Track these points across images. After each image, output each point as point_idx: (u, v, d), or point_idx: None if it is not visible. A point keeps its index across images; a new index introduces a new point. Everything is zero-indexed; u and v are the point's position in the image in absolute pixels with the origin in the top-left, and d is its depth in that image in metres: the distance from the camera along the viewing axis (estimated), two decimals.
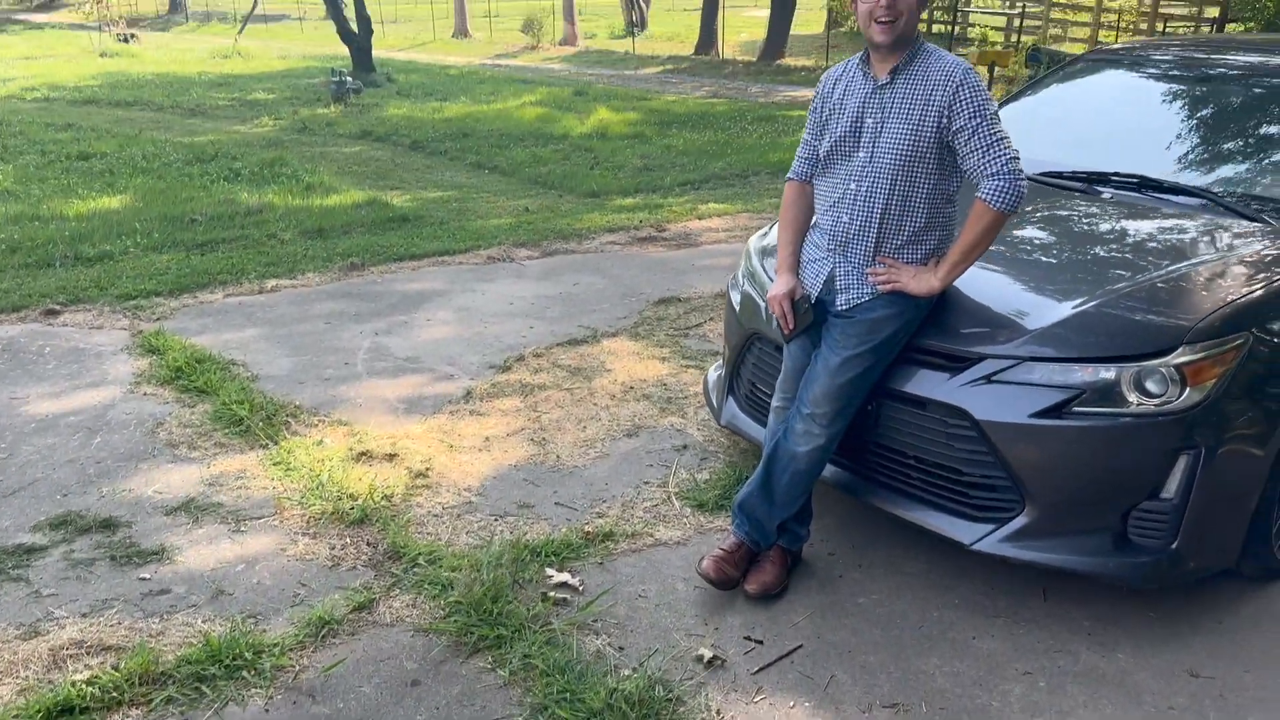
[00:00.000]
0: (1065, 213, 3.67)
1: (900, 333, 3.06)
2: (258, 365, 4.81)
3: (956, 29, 23.64)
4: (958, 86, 2.85)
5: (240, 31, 30.28)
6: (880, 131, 2.98)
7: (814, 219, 3.23)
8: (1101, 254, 3.33)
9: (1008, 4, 24.36)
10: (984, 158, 2.85)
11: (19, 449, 3.93)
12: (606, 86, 19.13)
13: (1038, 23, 22.70)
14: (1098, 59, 4.73)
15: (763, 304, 3.53)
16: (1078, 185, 3.75)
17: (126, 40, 27.19)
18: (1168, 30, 19.89)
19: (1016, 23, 22.94)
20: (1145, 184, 3.65)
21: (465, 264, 6.57)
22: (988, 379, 2.96)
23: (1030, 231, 3.54)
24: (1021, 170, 2.83)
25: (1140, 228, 3.46)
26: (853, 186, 3.05)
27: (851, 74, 3.09)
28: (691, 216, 7.96)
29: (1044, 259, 3.37)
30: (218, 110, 15.67)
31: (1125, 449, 2.82)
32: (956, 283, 3.14)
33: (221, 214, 7.72)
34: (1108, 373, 2.83)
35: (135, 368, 4.71)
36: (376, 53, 21.17)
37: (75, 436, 4.03)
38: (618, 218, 7.86)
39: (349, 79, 16.32)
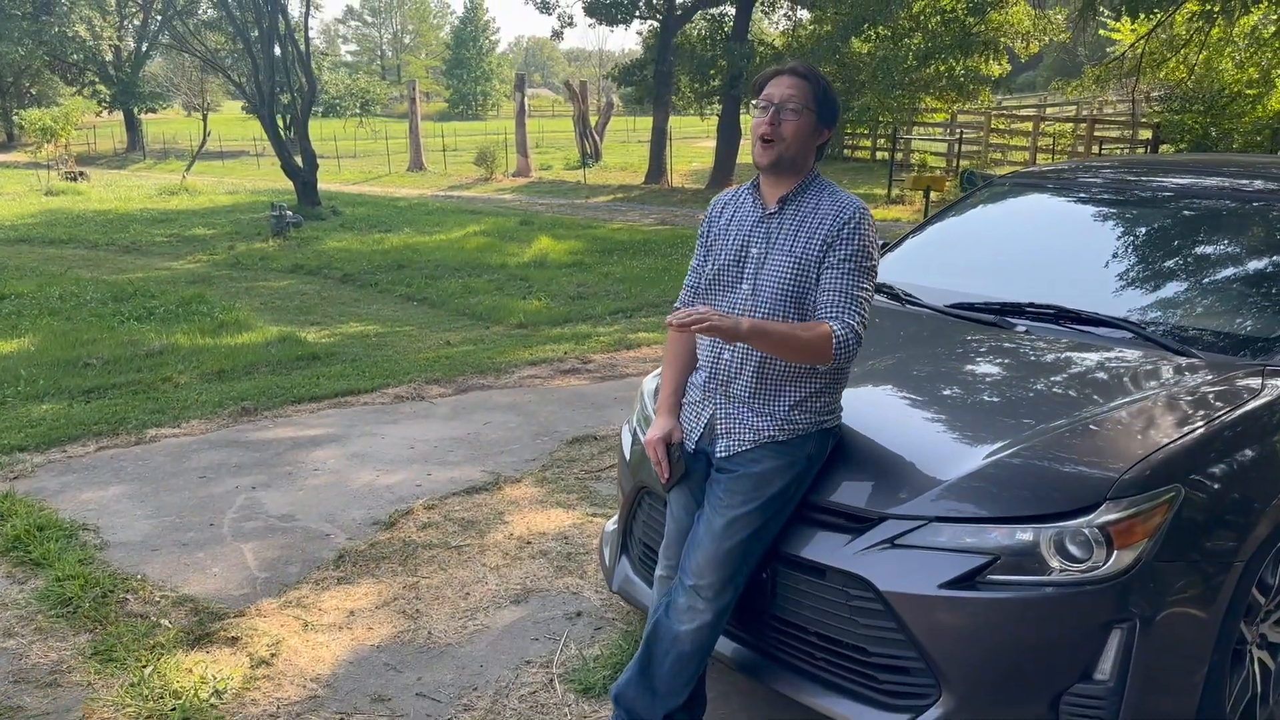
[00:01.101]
0: (976, 349, 3.34)
1: (791, 487, 2.67)
2: (111, 530, 4.31)
3: (899, 155, 24.11)
4: (845, 224, 2.60)
5: (189, 167, 30.40)
6: (764, 262, 2.68)
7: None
8: (1015, 396, 2.98)
9: (947, 130, 24.95)
10: (838, 304, 2.59)
11: None
12: (554, 215, 19.14)
13: (977, 147, 23.21)
14: (1022, 181, 4.48)
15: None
16: (990, 317, 3.43)
17: (74, 179, 27.12)
18: (1103, 152, 20.35)
19: (956, 148, 23.45)
20: (1063, 315, 3.34)
21: (370, 404, 6.15)
22: (891, 542, 2.57)
23: (937, 370, 3.20)
24: (862, 333, 2.59)
25: (1058, 365, 3.13)
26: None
27: (741, 200, 2.81)
28: (620, 347, 7.63)
29: (952, 403, 3.01)
30: (153, 247, 15.39)
31: (1049, 623, 2.41)
32: (856, 430, 2.79)
33: (120, 357, 7.29)
34: (1025, 534, 2.45)
35: None
36: (332, 186, 21.24)
37: None
38: (542, 350, 7.52)
39: (289, 213, 16.16)
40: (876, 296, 3.85)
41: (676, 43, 25.68)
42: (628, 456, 3.43)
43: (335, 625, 3.53)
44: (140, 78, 48.27)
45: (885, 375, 3.22)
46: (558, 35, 27.64)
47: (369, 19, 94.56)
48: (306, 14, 20.10)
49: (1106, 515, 2.41)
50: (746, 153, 29.65)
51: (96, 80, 47.95)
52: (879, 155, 26.83)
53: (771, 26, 31.44)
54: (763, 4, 26.45)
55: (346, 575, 3.92)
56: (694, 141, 37.81)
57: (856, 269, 2.58)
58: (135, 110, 48.01)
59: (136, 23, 49.89)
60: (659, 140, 26.67)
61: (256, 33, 19.43)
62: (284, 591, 3.78)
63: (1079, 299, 3.42)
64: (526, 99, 32.49)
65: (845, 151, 29.05)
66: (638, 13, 26.64)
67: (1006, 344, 3.31)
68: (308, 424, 5.79)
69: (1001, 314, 3.44)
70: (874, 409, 2.95)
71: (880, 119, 23.86)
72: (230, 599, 3.72)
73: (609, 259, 12.42)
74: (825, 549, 2.66)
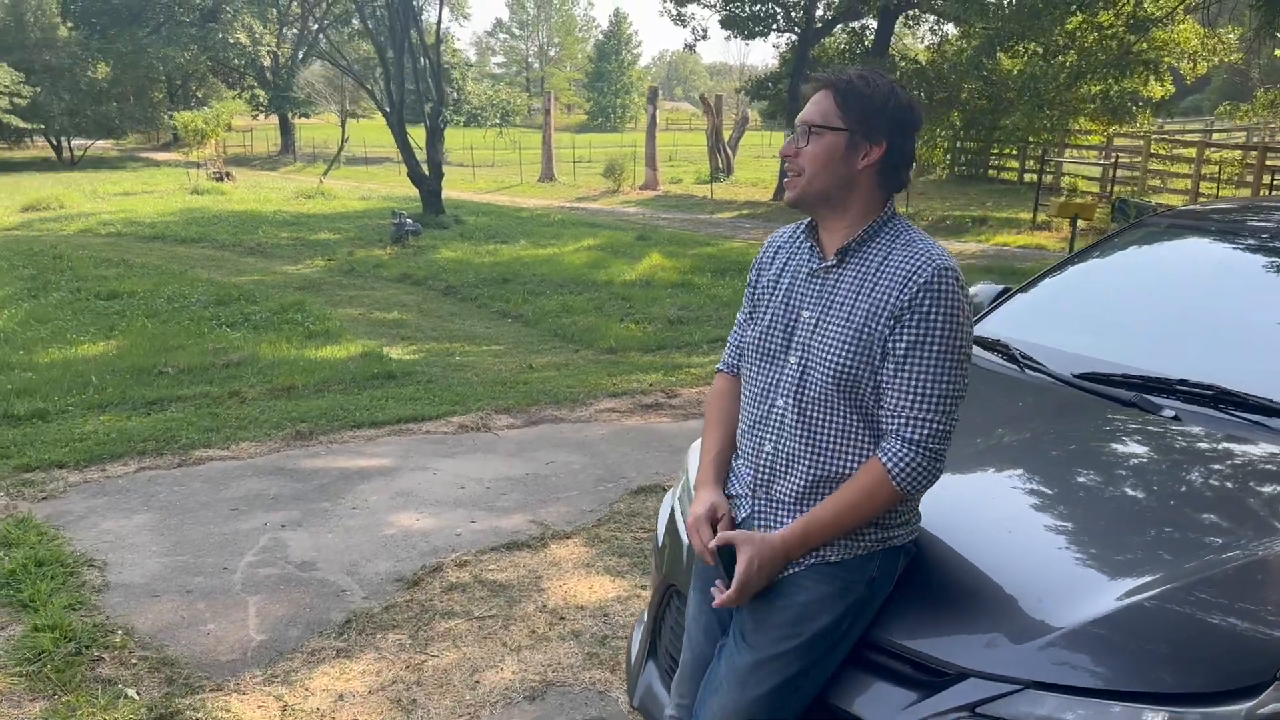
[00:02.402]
0: (1108, 439, 2.60)
1: (844, 622, 2.02)
2: (118, 567, 3.95)
3: (1048, 178, 22.66)
4: (919, 293, 1.90)
5: (326, 172, 31.17)
6: (816, 330, 2.02)
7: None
8: (1157, 511, 2.25)
9: (1102, 154, 23.35)
10: (902, 408, 1.94)
11: None
12: (673, 231, 18.62)
13: (1134, 174, 21.59)
14: (1180, 222, 3.65)
15: (685, 541, 2.52)
16: (1128, 395, 2.68)
17: (220, 179, 28.09)
18: (1276, 185, 18.56)
19: (1111, 173, 21.87)
20: (1225, 398, 2.57)
21: (432, 433, 5.71)
22: (972, 711, 1.89)
23: (1054, 465, 2.49)
24: (942, 453, 1.94)
25: (1218, 469, 2.38)
26: (779, 403, 2.08)
27: (797, 243, 2.14)
28: (711, 381, 7.00)
29: (1070, 515, 2.29)
30: (276, 250, 15.55)
31: None
32: (940, 545, 2.14)
33: (198, 366, 7.10)
34: (1156, 718, 1.76)
35: None
36: (462, 195, 21.30)
37: None
38: (627, 380, 6.96)
39: (409, 220, 16.11)
40: (987, 357, 3.15)
41: (813, 56, 24.88)
42: (660, 539, 2.83)
43: (318, 712, 3.04)
44: (294, 84, 50.11)
45: (984, 468, 2.53)
46: (690, 48, 27.17)
47: (517, 31, 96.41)
48: (439, 26, 20.16)
49: (1274, 704, 1.70)
50: None
51: (255, 85, 50.03)
52: (1027, 177, 25.36)
53: (917, 41, 30.26)
54: (907, 18, 25.38)
55: (349, 646, 3.43)
56: None
57: (930, 356, 1.90)
58: (289, 115, 49.85)
59: (294, 31, 51.89)
60: None
61: (391, 43, 19.61)
62: (275, 661, 3.32)
63: (1247, 379, 2.64)
64: (659, 112, 32.18)
65: (990, 172, 27.65)
66: (775, 26, 25.96)
67: (1149, 433, 2.57)
68: (361, 452, 5.37)
69: (1144, 391, 2.69)
70: (965, 517, 2.26)
71: (1030, 139, 22.56)
72: (214, 666, 3.28)
73: (719, 280, 11.79)
74: (883, 708, 2.00)
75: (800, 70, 24.99)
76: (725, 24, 25.69)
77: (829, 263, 2.03)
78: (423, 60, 20.25)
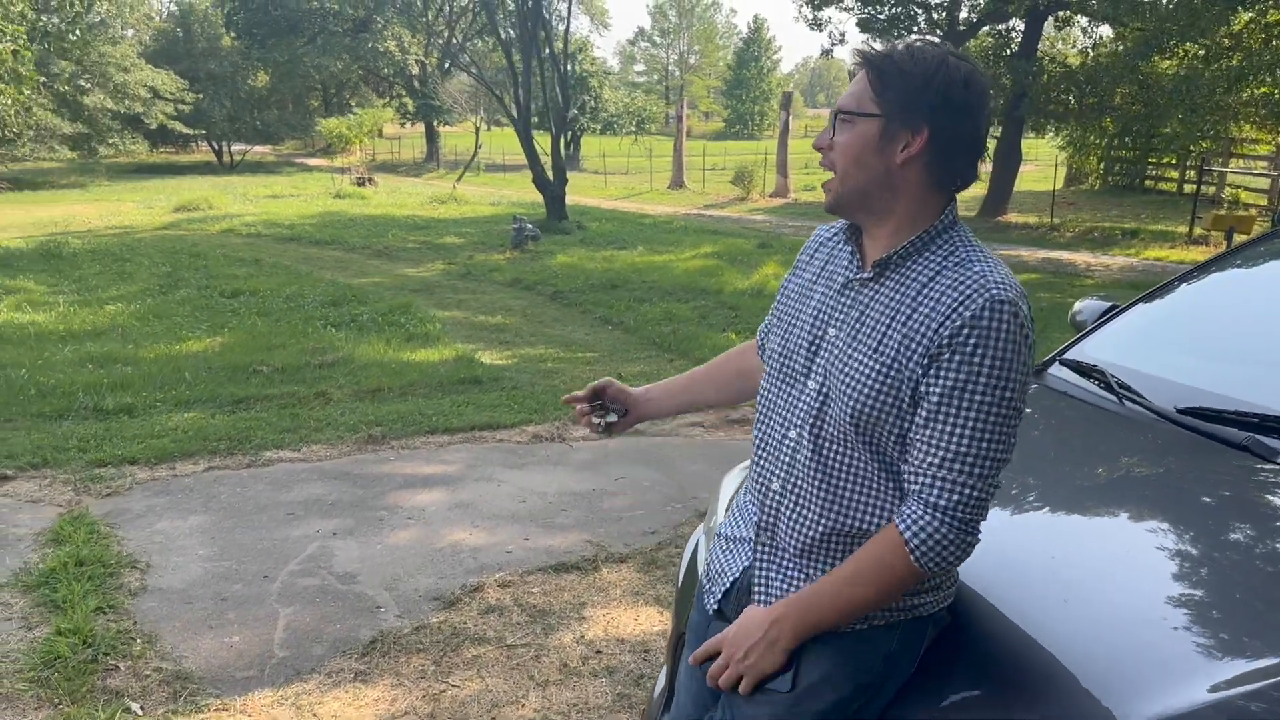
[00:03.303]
0: (1208, 490, 2.16)
1: (852, 705, 1.68)
2: (161, 570, 3.88)
3: (1210, 190, 21.15)
4: (964, 328, 1.52)
5: (459, 178, 31.83)
6: (840, 355, 1.67)
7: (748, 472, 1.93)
8: (1261, 583, 1.82)
9: (1272, 163, 21.62)
10: (929, 466, 1.56)
11: None
12: (797, 239, 18.13)
13: None
14: None
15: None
16: (1240, 436, 2.22)
17: (362, 184, 28.99)
18: None
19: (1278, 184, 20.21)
20: None
21: (505, 442, 5.52)
22: None
23: (1136, 523, 2.06)
24: (974, 524, 1.56)
25: None
26: (791, 434, 1.74)
27: (838, 246, 1.79)
28: None
29: (1147, 585, 1.87)
30: (402, 253, 15.81)
31: None
32: (988, 609, 1.78)
33: (293, 365, 7.12)
34: None
35: (20, 563, 3.88)
36: (591, 201, 21.35)
37: None
38: None
39: (528, 226, 16.14)
40: (1081, 384, 2.72)
41: None
42: (680, 578, 2.53)
43: None
44: (438, 93, 51.51)
45: (1051, 516, 2.13)
46: (828, 53, 26.44)
47: (658, 40, 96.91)
48: (565, 35, 20.21)
49: None
50: (1029, 179, 27.26)
51: (403, 94, 51.70)
52: (1187, 188, 23.73)
53: (1070, 45, 28.78)
54: (1056, 19, 24.13)
55: (368, 669, 3.23)
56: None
57: (970, 407, 1.53)
58: (434, 123, 51.32)
59: (441, 41, 53.43)
60: None
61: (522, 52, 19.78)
62: (290, 681, 3.15)
63: None
64: (799, 118, 31.60)
65: (1147, 183, 26.05)
66: (916, 28, 25.05)
67: (1261, 484, 2.11)
68: (430, 459, 5.22)
69: (1260, 431, 2.22)
70: (1019, 576, 1.88)
71: (1190, 148, 21.08)
72: (227, 683, 3.13)
73: None
74: None
75: None
76: (863, 27, 24.94)
77: (865, 275, 1.66)
78: (549, 67, 20.35)
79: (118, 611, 3.51)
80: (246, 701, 3.03)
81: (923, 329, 1.56)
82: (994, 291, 1.53)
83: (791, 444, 1.73)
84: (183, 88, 41.32)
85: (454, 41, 48.86)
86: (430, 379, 6.82)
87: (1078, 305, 3.42)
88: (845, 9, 25.08)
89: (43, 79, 16.35)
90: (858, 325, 1.65)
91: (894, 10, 24.58)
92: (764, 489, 1.79)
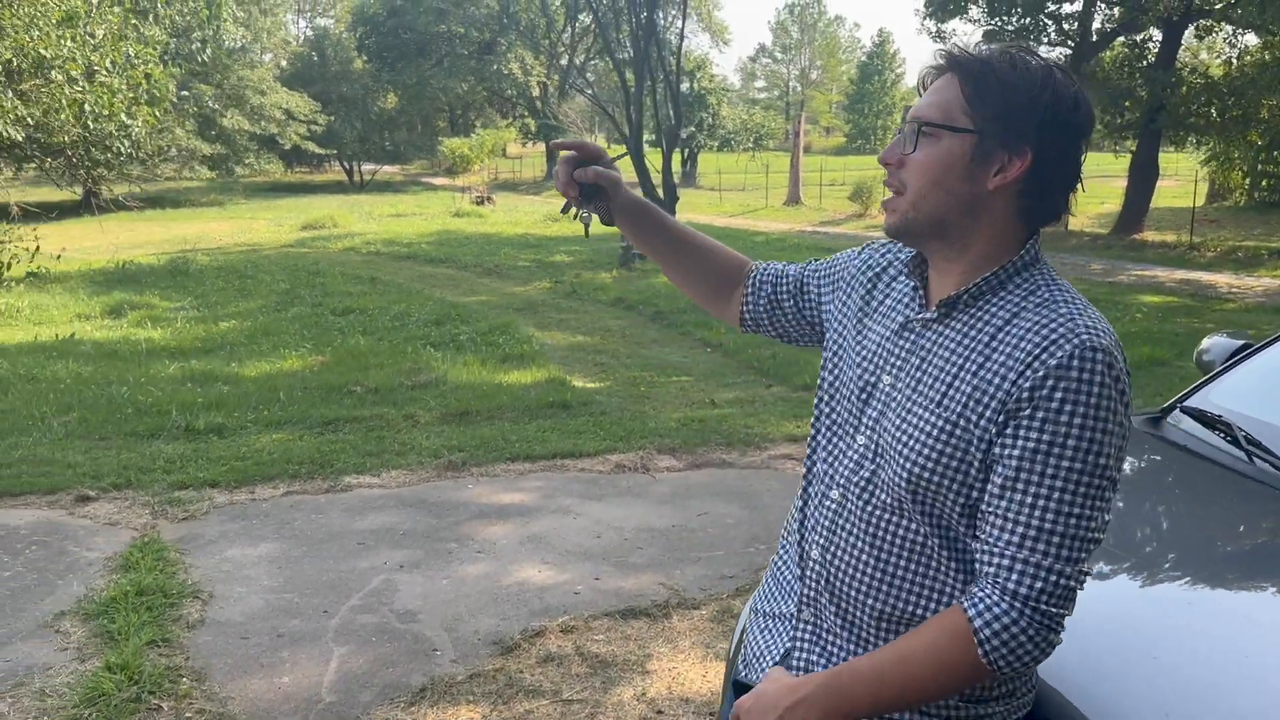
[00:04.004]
0: None
1: None
2: (221, 601, 3.80)
3: None
4: (1048, 379, 1.26)
5: None
6: (895, 408, 1.41)
7: (785, 529, 1.67)
8: None
9: None
10: (1007, 545, 1.29)
11: None
12: None
13: None
14: None
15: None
16: None
17: (481, 203, 29.48)
18: None
19: None
20: None
21: (586, 471, 5.32)
22: None
23: (1262, 609, 1.71)
24: (1060, 618, 1.27)
25: None
26: (834, 495, 1.49)
27: (898, 277, 1.53)
28: None
29: (1270, 688, 1.53)
30: (512, 271, 15.91)
31: None
32: (1069, 708, 1.47)
33: (387, 386, 7.10)
34: None
35: (86, 589, 3.86)
36: (704, 219, 21.22)
37: None
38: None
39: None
40: (1204, 436, 2.35)
41: (1087, 71, 22.85)
42: (731, 647, 2.26)
43: None
44: (556, 112, 52.24)
45: (1154, 599, 1.79)
46: None
47: (779, 55, 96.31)
48: (679, 54, 20.11)
49: None
50: (1167, 195, 25.82)
51: (525, 114, 52.59)
52: None
53: (1211, 56, 27.21)
54: (1197, 28, 22.81)
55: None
56: (1113, 180, 33.89)
57: (1056, 475, 1.25)
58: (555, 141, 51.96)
59: (563, 62, 54.24)
60: None
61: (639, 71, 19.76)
62: None
63: None
64: None
65: None
66: (1046, 39, 24.07)
67: None
68: (508, 487, 5.06)
69: None
70: (1113, 683, 1.56)
71: None
72: None
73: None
74: None
75: None
76: (989, 39, 24.10)
77: (928, 314, 1.41)
78: (660, 85, 20.27)
79: (171, 645, 3.44)
80: None
81: (997, 379, 1.29)
82: (1085, 336, 1.26)
83: (832, 507, 1.49)
84: (315, 110, 42.87)
85: (574, 62, 49.39)
86: (520, 402, 6.69)
87: (1205, 343, 3.02)
88: (970, 20, 24.26)
89: (180, 96, 17.10)
90: (919, 374, 1.40)
91: (1022, 21, 23.65)
92: (804, 556, 1.55)
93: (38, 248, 14.25)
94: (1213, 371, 2.75)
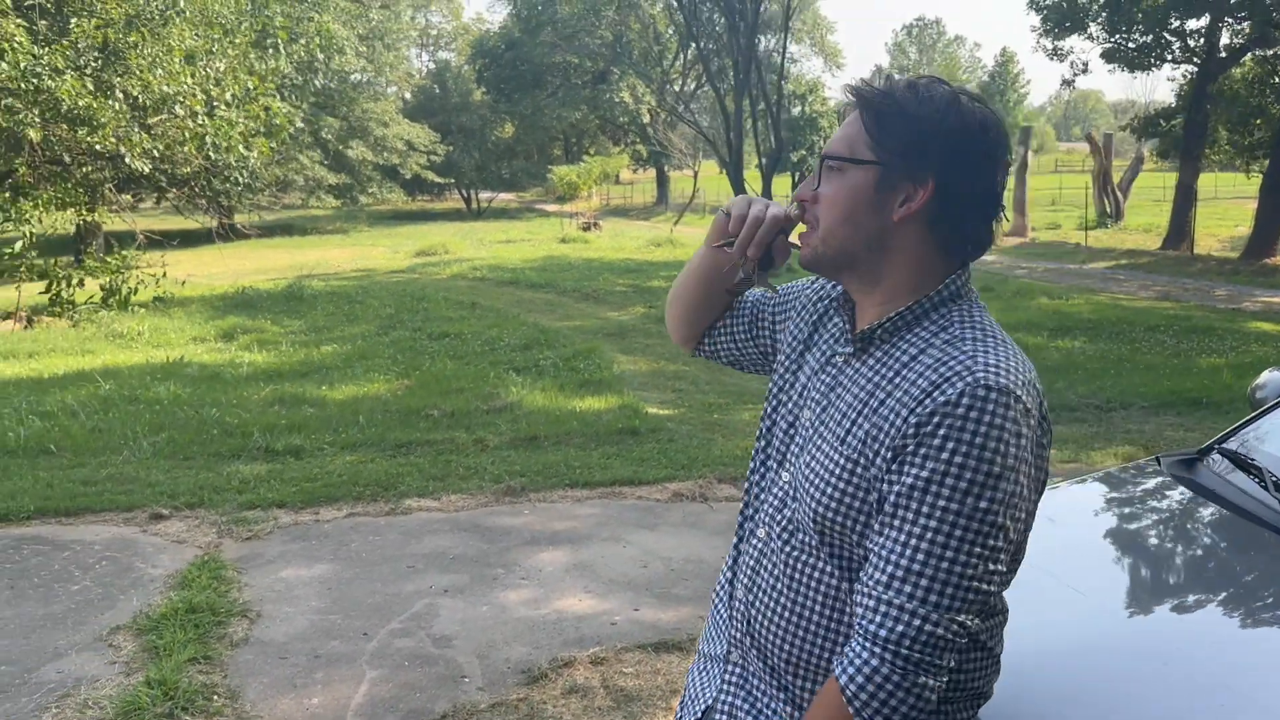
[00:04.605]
0: None
1: None
2: (268, 621, 3.90)
3: None
4: (934, 416, 1.21)
5: (677, 221, 32.12)
6: (809, 442, 1.39)
7: (724, 565, 1.62)
8: None
9: None
10: (875, 586, 1.24)
11: None
12: (1026, 282, 16.96)
13: None
14: None
15: None
16: None
17: (587, 228, 29.84)
18: None
19: None
20: None
21: (643, 499, 5.29)
22: None
23: None
24: (928, 665, 1.19)
25: None
26: (760, 534, 1.47)
27: (833, 316, 1.49)
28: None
29: None
30: (609, 296, 16.02)
31: None
32: None
33: (463, 410, 7.22)
34: None
35: (144, 605, 4.01)
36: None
37: None
38: None
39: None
40: (1237, 481, 2.19)
41: (1214, 90, 21.82)
42: None
43: None
44: (665, 138, 52.65)
45: (1157, 655, 1.66)
46: (1069, 84, 24.80)
47: (897, 77, 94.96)
48: (780, 79, 20.02)
49: None
50: None
51: (637, 140, 53.15)
52: None
53: None
54: None
55: None
56: (1245, 202, 32.23)
57: (931, 513, 1.19)
58: (664, 167, 52.37)
59: (675, 89, 54.67)
60: (1183, 200, 22.80)
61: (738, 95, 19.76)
62: None
63: None
64: (1050, 154, 29.85)
65: None
66: (1170, 57, 23.09)
67: None
68: (562, 514, 5.07)
69: None
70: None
71: None
72: None
73: (1055, 339, 10.38)
74: None
75: (1199, 104, 22.03)
76: (1108, 57, 23.25)
77: (846, 350, 1.38)
78: (762, 110, 20.20)
79: (212, 663, 3.54)
80: None
81: (892, 416, 1.25)
82: (980, 375, 1.21)
83: (759, 545, 1.47)
84: (435, 140, 44.22)
85: (685, 89, 49.73)
86: (589, 428, 6.71)
87: (1262, 377, 2.83)
88: (1089, 38, 23.47)
89: (297, 129, 17.89)
90: (831, 410, 1.36)
91: (1144, 39, 22.76)
92: (733, 596, 1.51)
93: (164, 273, 15.06)
94: (1260, 410, 2.57)
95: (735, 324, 1.69)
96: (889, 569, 1.20)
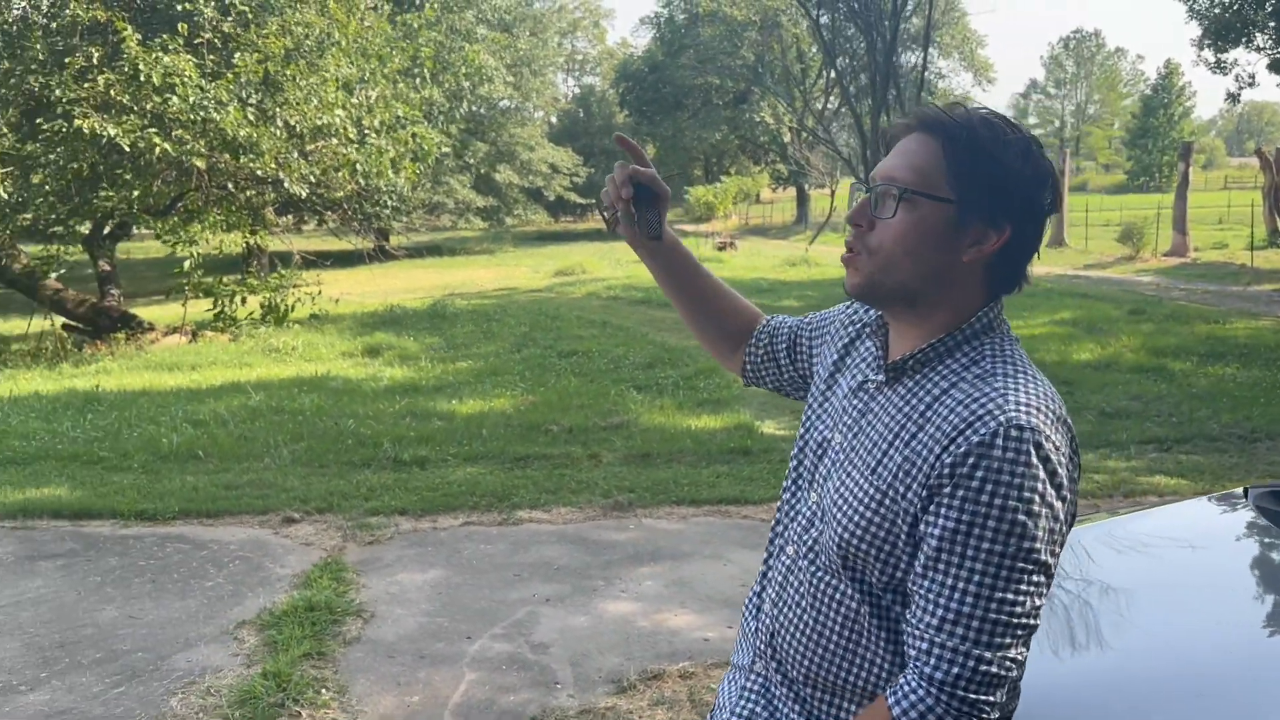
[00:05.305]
0: None
1: None
2: (380, 621, 4.12)
3: None
4: (968, 457, 1.21)
5: (812, 240, 31.82)
6: (837, 467, 1.41)
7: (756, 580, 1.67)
8: None
9: None
10: (926, 629, 1.25)
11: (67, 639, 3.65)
12: (1180, 305, 16.09)
13: None
14: None
15: None
16: None
17: (722, 248, 29.91)
18: None
19: None
20: None
21: (749, 519, 5.32)
22: None
23: None
24: (981, 706, 1.21)
25: None
26: (789, 551, 1.50)
27: (865, 340, 1.52)
28: (1113, 491, 5.75)
29: None
30: None
31: None
32: None
33: (582, 426, 7.40)
34: None
35: (273, 601, 4.30)
36: None
37: (96, 668, 3.65)
38: None
39: None
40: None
41: None
42: None
43: None
44: (799, 157, 52.25)
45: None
46: (1234, 98, 23.44)
47: (1053, 91, 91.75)
48: (919, 94, 19.66)
49: None
50: None
51: (777, 160, 53.01)
52: None
53: None
54: None
55: None
56: None
57: (974, 558, 1.21)
58: (805, 186, 52.02)
59: (818, 107, 54.29)
60: None
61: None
62: None
63: None
64: (1219, 169, 28.30)
65: None
66: None
67: None
68: (667, 531, 5.15)
69: None
70: None
71: None
72: None
73: (1205, 365, 9.83)
74: None
75: None
76: (1275, 68, 21.91)
77: (879, 378, 1.39)
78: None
79: (324, 659, 3.76)
80: None
81: (924, 452, 1.26)
82: (1012, 414, 1.20)
83: (787, 563, 1.50)
84: (578, 163, 45.24)
85: (827, 107, 49.29)
86: (702, 447, 6.77)
87: None
88: (1256, 49, 22.16)
89: (443, 154, 18.64)
90: (861, 438, 1.38)
91: None
92: (760, 609, 1.56)
93: (319, 291, 15.92)
94: None
95: (776, 349, 1.74)
96: (939, 612, 1.22)
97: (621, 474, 6.13)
